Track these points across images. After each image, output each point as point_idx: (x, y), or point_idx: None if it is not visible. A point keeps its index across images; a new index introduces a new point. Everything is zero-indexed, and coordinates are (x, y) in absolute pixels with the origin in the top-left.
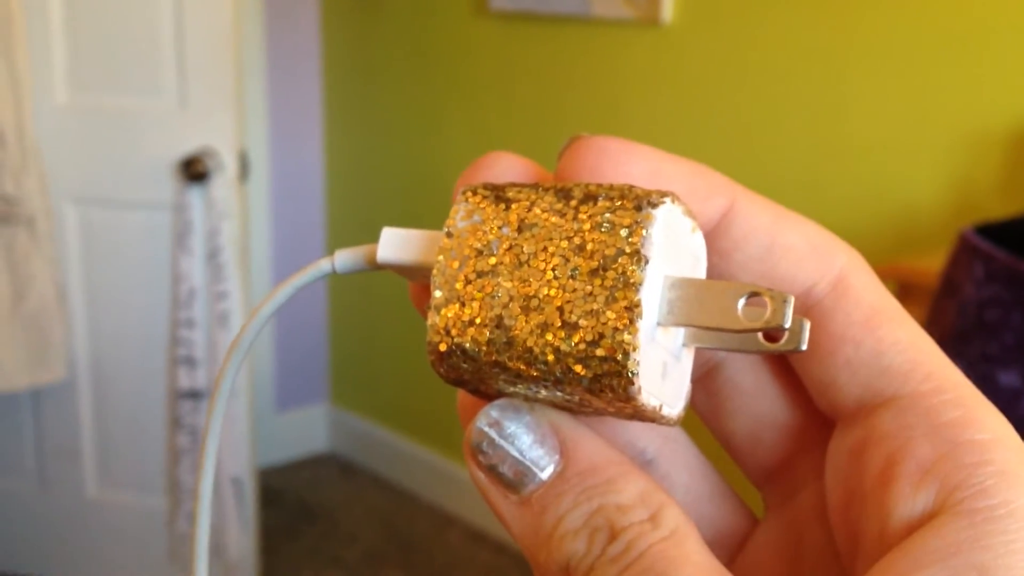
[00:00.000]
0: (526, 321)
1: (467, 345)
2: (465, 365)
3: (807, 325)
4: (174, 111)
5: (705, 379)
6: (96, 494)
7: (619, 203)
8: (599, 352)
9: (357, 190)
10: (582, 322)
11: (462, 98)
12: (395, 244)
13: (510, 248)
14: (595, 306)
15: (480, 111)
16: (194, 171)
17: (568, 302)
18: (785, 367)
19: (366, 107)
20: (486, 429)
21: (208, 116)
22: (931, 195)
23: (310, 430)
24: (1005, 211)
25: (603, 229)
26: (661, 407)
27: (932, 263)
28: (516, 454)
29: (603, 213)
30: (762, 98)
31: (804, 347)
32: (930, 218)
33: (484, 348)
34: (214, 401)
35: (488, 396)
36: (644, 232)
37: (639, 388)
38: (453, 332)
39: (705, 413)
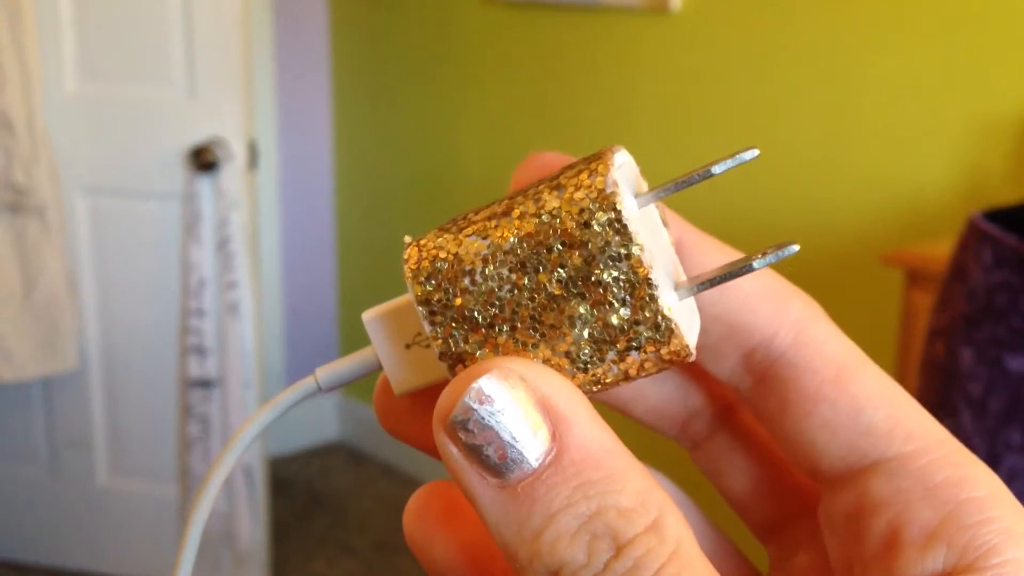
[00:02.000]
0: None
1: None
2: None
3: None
4: (183, 100)
5: (704, 443)
6: (107, 482)
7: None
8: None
9: (366, 179)
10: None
11: (471, 87)
12: (377, 343)
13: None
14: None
15: (489, 99)
16: (203, 160)
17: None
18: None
19: (374, 96)
20: (475, 406)
21: (217, 105)
22: (941, 181)
23: (320, 419)
24: (1015, 197)
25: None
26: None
27: (941, 249)
28: (507, 437)
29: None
30: (771, 85)
31: (796, 248)
32: (940, 204)
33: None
34: (203, 492)
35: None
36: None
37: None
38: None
39: (708, 472)
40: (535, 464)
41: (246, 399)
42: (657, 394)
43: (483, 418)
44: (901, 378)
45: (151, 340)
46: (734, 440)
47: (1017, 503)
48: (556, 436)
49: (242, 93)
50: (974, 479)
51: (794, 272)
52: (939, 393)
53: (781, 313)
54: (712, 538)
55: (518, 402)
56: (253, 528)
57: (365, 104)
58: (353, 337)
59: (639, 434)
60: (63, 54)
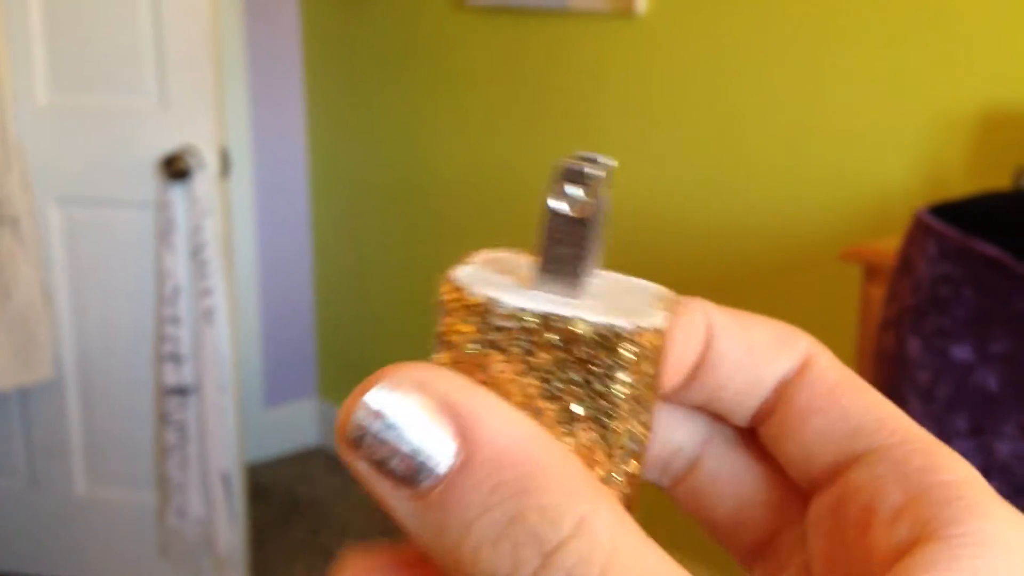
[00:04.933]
0: None
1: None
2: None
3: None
4: (155, 110)
5: (686, 476)
6: (86, 491)
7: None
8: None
9: (341, 184)
10: None
11: (443, 91)
12: None
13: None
14: None
15: (460, 104)
16: (176, 169)
17: None
18: (759, 448)
19: (348, 101)
20: (365, 422)
21: (189, 114)
22: (902, 178)
23: (299, 424)
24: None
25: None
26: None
27: (898, 245)
28: (407, 449)
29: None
30: (734, 86)
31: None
32: (901, 200)
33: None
34: None
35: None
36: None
37: None
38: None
39: (689, 506)
40: (444, 470)
41: (223, 405)
42: None
43: (378, 433)
44: (860, 370)
45: (127, 348)
46: (715, 468)
47: (989, 488)
48: (464, 437)
49: (213, 101)
50: (947, 466)
51: (756, 268)
52: (890, 382)
53: (793, 354)
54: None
55: (415, 409)
56: (232, 534)
57: (338, 110)
58: (330, 342)
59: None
60: (34, 66)
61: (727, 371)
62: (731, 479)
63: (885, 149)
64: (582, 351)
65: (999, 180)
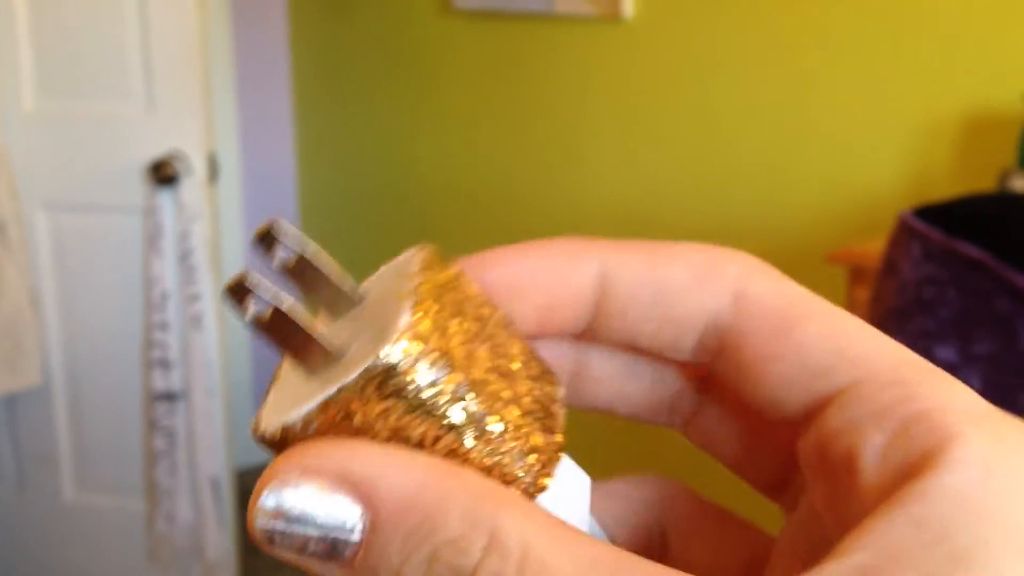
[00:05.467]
0: None
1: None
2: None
3: None
4: (142, 115)
5: (694, 417)
6: (74, 498)
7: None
8: None
9: (329, 189)
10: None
11: (430, 96)
12: None
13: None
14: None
15: (448, 108)
16: (163, 174)
17: None
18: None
19: (335, 106)
20: (269, 525)
21: (176, 119)
22: (887, 181)
23: None
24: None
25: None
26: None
27: (883, 247)
28: (317, 534)
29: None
30: (720, 90)
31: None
32: (887, 203)
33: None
34: None
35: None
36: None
37: None
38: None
39: (703, 445)
40: (358, 537)
41: (211, 411)
42: (637, 389)
43: (284, 530)
44: None
45: (115, 354)
46: (721, 407)
47: (968, 406)
48: (366, 500)
49: (201, 106)
50: (920, 394)
51: None
52: None
53: (718, 288)
54: (711, 515)
55: (310, 496)
56: (221, 540)
57: (326, 114)
58: None
59: (625, 431)
60: (21, 71)
61: (636, 316)
62: (737, 418)
63: (870, 152)
64: (374, 402)
65: (983, 182)
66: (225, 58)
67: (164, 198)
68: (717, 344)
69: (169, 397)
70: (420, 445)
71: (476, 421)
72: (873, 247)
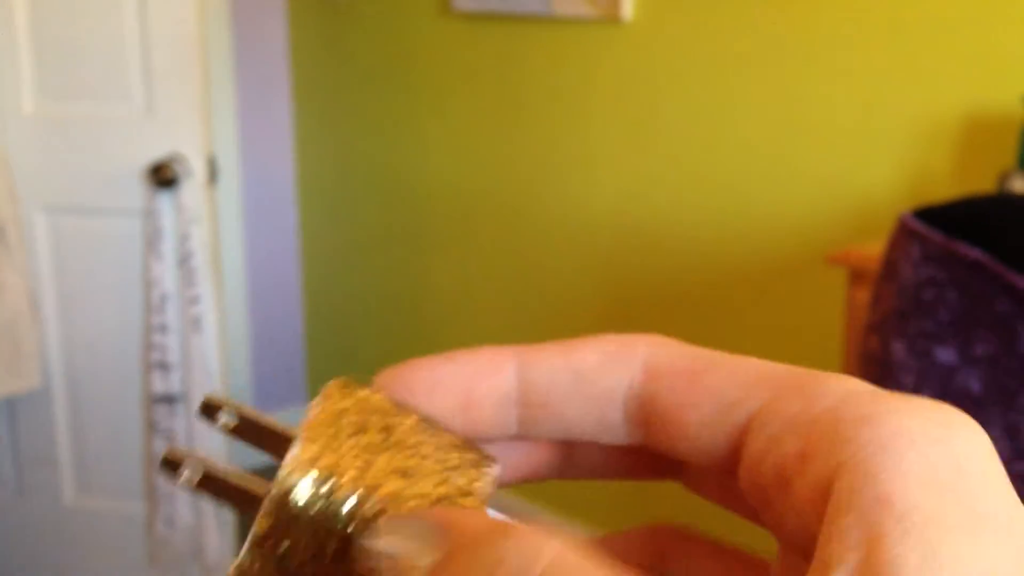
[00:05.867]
0: None
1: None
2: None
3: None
4: (141, 118)
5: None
6: (74, 501)
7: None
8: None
9: (329, 190)
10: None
11: (430, 97)
12: None
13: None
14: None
15: (448, 110)
16: (163, 177)
17: None
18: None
19: (335, 108)
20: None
21: (175, 122)
22: (886, 182)
23: None
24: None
25: None
26: None
27: (882, 249)
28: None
29: None
30: (721, 91)
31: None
32: (885, 205)
33: None
34: None
35: None
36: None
37: None
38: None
39: (700, 493)
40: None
41: None
42: (612, 456)
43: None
44: (846, 373)
45: (115, 357)
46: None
47: (869, 391)
48: (448, 528)
49: (200, 108)
50: (822, 392)
51: (743, 273)
52: (875, 385)
53: (627, 362)
54: (711, 552)
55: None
56: (220, 543)
57: (326, 117)
58: (318, 349)
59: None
60: (21, 74)
61: (558, 400)
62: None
63: (870, 154)
64: (282, 533)
65: (983, 183)
66: (225, 60)
67: (164, 200)
68: (640, 414)
69: (169, 399)
70: (337, 557)
71: (372, 520)
72: (873, 249)
